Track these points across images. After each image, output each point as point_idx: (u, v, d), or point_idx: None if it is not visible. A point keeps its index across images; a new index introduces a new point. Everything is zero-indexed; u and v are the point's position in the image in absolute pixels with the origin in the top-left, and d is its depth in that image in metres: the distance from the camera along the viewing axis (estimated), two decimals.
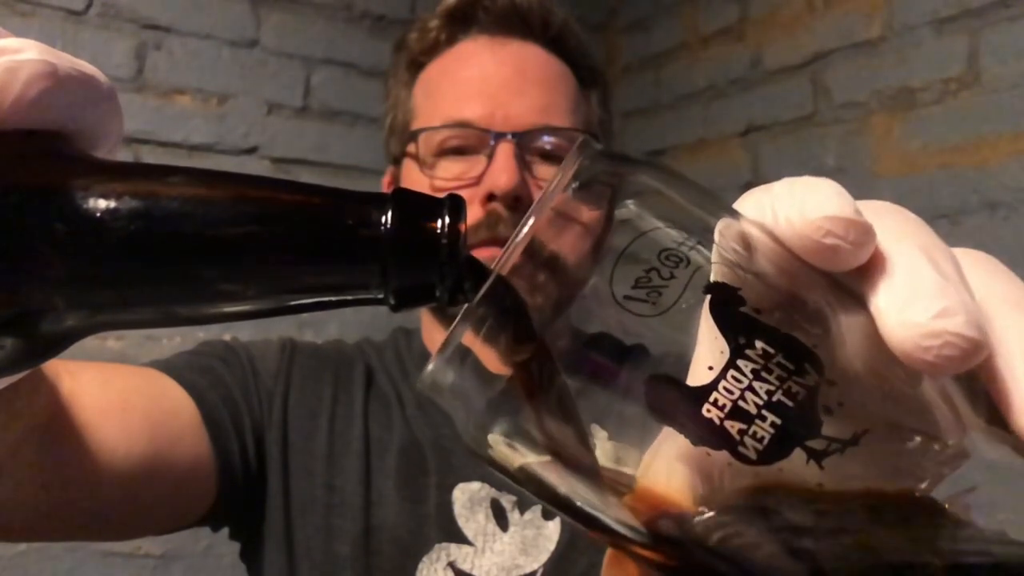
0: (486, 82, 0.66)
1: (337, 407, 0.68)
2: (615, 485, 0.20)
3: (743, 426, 0.18)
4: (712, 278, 0.19)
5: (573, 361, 0.20)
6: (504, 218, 0.62)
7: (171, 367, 0.61)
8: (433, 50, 0.70)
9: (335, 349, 0.74)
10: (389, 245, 0.21)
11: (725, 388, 0.19)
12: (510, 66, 0.67)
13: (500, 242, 0.62)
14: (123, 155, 0.24)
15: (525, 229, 0.19)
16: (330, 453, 0.65)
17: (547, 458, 0.20)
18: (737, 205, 0.21)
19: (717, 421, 0.19)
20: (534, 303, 0.20)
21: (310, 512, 0.64)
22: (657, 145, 1.62)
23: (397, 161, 0.71)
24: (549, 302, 0.20)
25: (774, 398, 0.19)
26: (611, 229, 0.20)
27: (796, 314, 0.20)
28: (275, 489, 0.65)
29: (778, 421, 0.19)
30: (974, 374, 0.18)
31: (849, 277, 0.19)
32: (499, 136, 0.63)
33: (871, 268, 0.19)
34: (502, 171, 0.62)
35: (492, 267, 0.20)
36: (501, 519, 0.64)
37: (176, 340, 1.24)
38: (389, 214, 0.21)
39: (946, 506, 0.19)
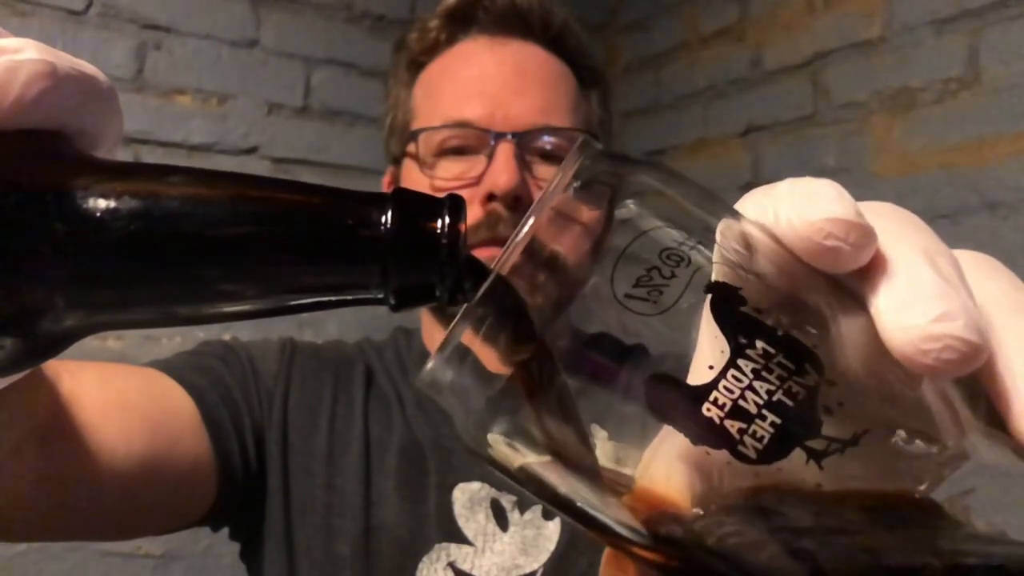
0: (486, 82, 0.66)
1: (337, 407, 0.68)
2: (614, 485, 0.20)
3: (743, 425, 0.18)
4: (713, 278, 0.19)
5: (573, 361, 0.20)
6: (504, 218, 0.62)
7: (171, 367, 0.61)
8: (433, 50, 0.70)
9: (335, 349, 0.74)
10: (389, 245, 0.21)
11: (725, 387, 0.19)
12: (510, 66, 0.67)
13: (500, 242, 0.62)
14: (123, 155, 0.24)
15: (525, 229, 0.19)
16: (330, 453, 0.65)
17: (547, 458, 0.20)
18: (738, 206, 0.21)
19: (717, 420, 0.19)
20: (534, 303, 0.20)
21: (310, 512, 0.64)
22: (657, 145, 1.62)
23: (397, 161, 0.71)
24: (549, 302, 0.20)
25: (774, 398, 0.19)
26: (612, 229, 0.20)
27: (797, 315, 0.20)
28: (275, 489, 0.65)
29: (778, 421, 0.19)
30: (974, 376, 0.18)
31: (850, 279, 0.19)
32: (499, 136, 0.63)
33: (872, 270, 0.19)
34: (502, 171, 0.62)
35: (492, 267, 0.20)
36: (501, 519, 0.64)
37: (176, 340, 1.24)
38: (389, 214, 0.21)
39: (945, 507, 0.19)
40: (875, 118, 1.24)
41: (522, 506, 0.64)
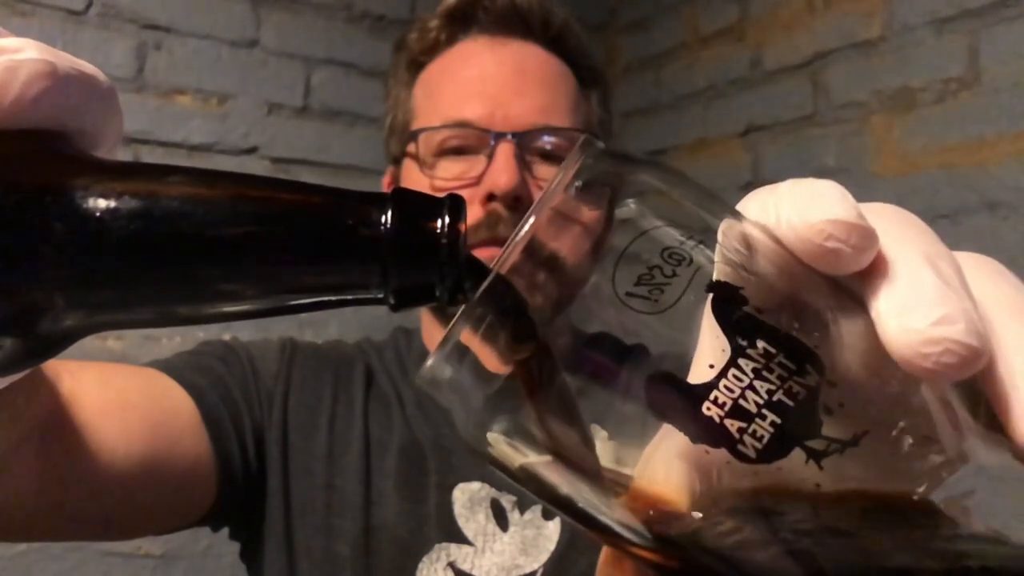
0: (486, 82, 0.66)
1: (337, 407, 0.68)
2: (614, 485, 0.20)
3: (743, 424, 0.19)
4: (715, 277, 0.19)
5: (573, 360, 0.20)
6: (504, 218, 0.62)
7: (171, 367, 0.61)
8: (433, 50, 0.70)
9: (335, 349, 0.74)
10: (389, 245, 0.21)
11: (726, 386, 0.19)
12: (510, 66, 0.67)
13: (500, 242, 0.62)
14: (123, 155, 0.24)
15: (525, 228, 0.19)
16: (330, 453, 0.65)
17: (548, 457, 0.20)
18: (740, 206, 0.21)
19: (717, 419, 0.19)
20: (534, 302, 0.20)
21: (310, 512, 0.64)
22: (657, 145, 1.62)
23: (397, 161, 0.71)
24: (549, 301, 0.20)
25: (775, 397, 0.19)
26: (612, 228, 0.20)
27: (798, 316, 0.20)
28: (275, 489, 0.65)
29: (778, 420, 0.19)
30: (974, 379, 0.18)
31: (851, 280, 0.19)
32: (499, 136, 0.63)
33: (873, 272, 0.19)
34: (502, 171, 0.62)
35: (492, 266, 0.20)
36: (501, 519, 0.64)
37: (176, 340, 1.24)
38: (389, 214, 0.21)
39: (944, 509, 0.19)
40: (875, 118, 1.24)
41: (522, 506, 0.64)
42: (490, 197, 0.63)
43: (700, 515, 0.19)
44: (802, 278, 0.20)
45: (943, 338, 0.17)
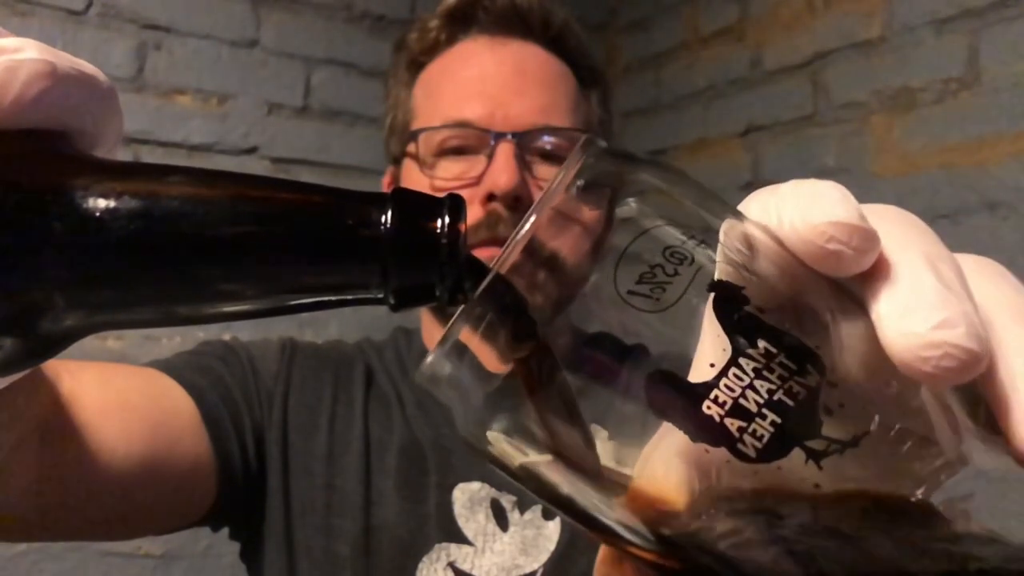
0: (486, 82, 0.66)
1: (337, 407, 0.68)
2: (613, 485, 0.20)
3: (743, 424, 0.18)
4: (716, 276, 0.19)
5: (574, 358, 0.20)
6: (504, 218, 0.62)
7: (171, 367, 0.61)
8: (433, 50, 0.70)
9: (335, 349, 0.74)
10: (389, 245, 0.21)
11: (727, 386, 0.19)
12: (510, 66, 0.67)
13: (500, 242, 0.62)
14: (123, 155, 0.24)
15: (526, 227, 0.19)
16: (330, 453, 0.65)
17: (548, 457, 0.20)
18: (742, 206, 0.21)
19: (717, 418, 0.19)
20: (534, 301, 0.20)
21: (310, 512, 0.64)
22: (657, 145, 1.62)
23: (397, 161, 0.71)
24: (549, 300, 0.20)
25: (775, 397, 0.19)
26: (614, 227, 0.20)
27: (798, 317, 0.20)
28: (275, 489, 0.65)
29: (778, 420, 0.19)
30: (974, 382, 0.18)
31: (852, 282, 0.19)
32: (499, 136, 0.63)
33: (874, 275, 0.19)
34: (502, 171, 0.62)
35: (491, 266, 0.20)
36: (501, 519, 0.64)
37: (176, 340, 1.24)
38: (389, 214, 0.21)
39: (942, 511, 0.19)
40: (875, 118, 1.24)
41: (522, 506, 0.64)
42: (490, 197, 0.63)
43: (699, 514, 0.19)
44: (803, 279, 0.20)
45: (943, 342, 0.17)
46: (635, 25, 1.70)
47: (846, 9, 1.29)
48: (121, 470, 0.51)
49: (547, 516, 0.64)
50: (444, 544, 0.62)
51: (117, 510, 0.54)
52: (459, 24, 0.70)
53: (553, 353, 0.20)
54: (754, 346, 0.19)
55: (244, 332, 0.98)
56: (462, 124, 0.65)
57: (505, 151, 0.63)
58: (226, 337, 0.73)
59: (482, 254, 0.57)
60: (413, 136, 0.67)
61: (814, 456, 0.19)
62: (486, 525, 0.63)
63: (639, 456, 0.20)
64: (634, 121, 1.68)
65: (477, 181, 0.64)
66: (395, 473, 0.65)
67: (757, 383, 0.19)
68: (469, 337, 0.20)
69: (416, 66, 0.71)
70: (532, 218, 0.20)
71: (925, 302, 0.18)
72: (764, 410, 0.19)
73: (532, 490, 0.21)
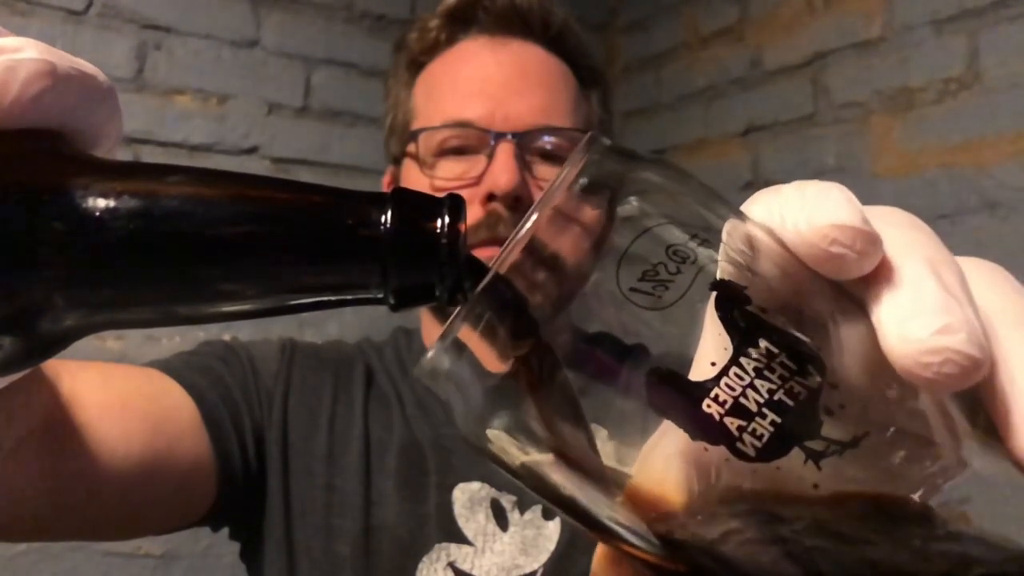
0: (486, 82, 0.66)
1: (337, 407, 0.68)
2: (613, 484, 0.20)
3: (743, 423, 0.18)
4: (718, 275, 0.19)
5: (574, 358, 0.20)
6: (504, 218, 0.62)
7: (171, 367, 0.61)
8: (433, 50, 0.70)
9: (335, 349, 0.74)
10: (389, 245, 0.21)
11: (727, 385, 0.19)
12: (510, 66, 0.67)
13: (500, 242, 0.62)
14: (123, 155, 0.24)
15: (527, 226, 0.19)
16: (330, 453, 0.65)
17: (549, 455, 0.20)
18: (745, 207, 0.21)
19: (717, 417, 0.19)
20: (534, 300, 0.20)
21: (310, 512, 0.64)
22: (657, 145, 1.62)
23: (397, 161, 0.71)
24: (550, 299, 0.20)
25: (775, 397, 0.19)
26: (615, 225, 0.20)
27: (800, 318, 0.20)
28: (275, 489, 0.65)
29: (778, 419, 0.18)
30: (974, 388, 0.18)
31: (854, 285, 0.19)
32: (499, 136, 0.63)
33: (876, 278, 0.19)
34: (502, 171, 0.62)
35: (491, 264, 0.20)
36: (501, 519, 0.64)
37: (176, 340, 1.24)
38: (389, 214, 0.21)
39: (941, 514, 0.19)
40: (875, 118, 1.24)
41: (522, 506, 0.64)
42: (490, 197, 0.63)
43: (697, 513, 0.19)
44: (805, 281, 0.20)
45: (944, 348, 0.17)
46: (635, 25, 1.70)
47: (846, 9, 1.29)
48: (121, 470, 0.51)
49: (547, 516, 0.64)
50: (444, 544, 0.62)
51: (117, 510, 0.54)
52: (459, 24, 0.70)
53: (554, 351, 0.20)
54: (755, 346, 0.19)
55: (244, 332, 0.98)
56: (462, 124, 0.65)
57: (505, 151, 0.63)
58: (226, 337, 0.73)
59: (482, 254, 0.57)
60: (413, 136, 0.67)
61: (813, 456, 0.19)
62: (486, 525, 0.63)
63: (638, 455, 0.20)
64: (634, 121, 1.68)
65: (477, 181, 0.64)
66: (395, 473, 0.65)
67: (758, 382, 0.19)
68: (468, 335, 0.20)
69: (416, 66, 0.72)
70: (533, 217, 0.19)
71: (927, 307, 0.18)
72: (764, 409, 0.18)
73: (532, 488, 0.21)
